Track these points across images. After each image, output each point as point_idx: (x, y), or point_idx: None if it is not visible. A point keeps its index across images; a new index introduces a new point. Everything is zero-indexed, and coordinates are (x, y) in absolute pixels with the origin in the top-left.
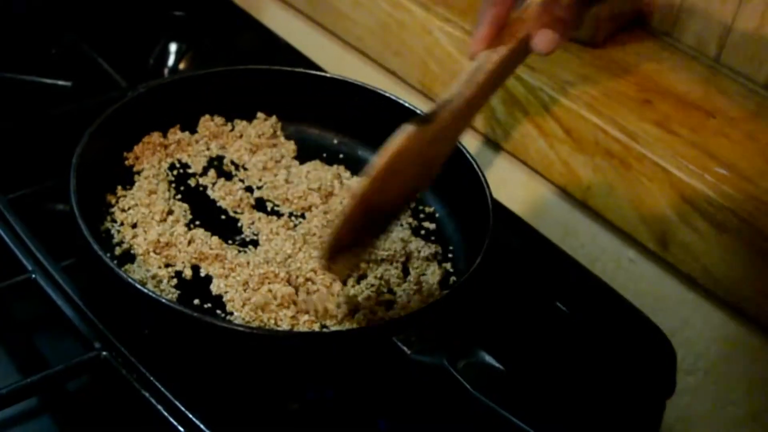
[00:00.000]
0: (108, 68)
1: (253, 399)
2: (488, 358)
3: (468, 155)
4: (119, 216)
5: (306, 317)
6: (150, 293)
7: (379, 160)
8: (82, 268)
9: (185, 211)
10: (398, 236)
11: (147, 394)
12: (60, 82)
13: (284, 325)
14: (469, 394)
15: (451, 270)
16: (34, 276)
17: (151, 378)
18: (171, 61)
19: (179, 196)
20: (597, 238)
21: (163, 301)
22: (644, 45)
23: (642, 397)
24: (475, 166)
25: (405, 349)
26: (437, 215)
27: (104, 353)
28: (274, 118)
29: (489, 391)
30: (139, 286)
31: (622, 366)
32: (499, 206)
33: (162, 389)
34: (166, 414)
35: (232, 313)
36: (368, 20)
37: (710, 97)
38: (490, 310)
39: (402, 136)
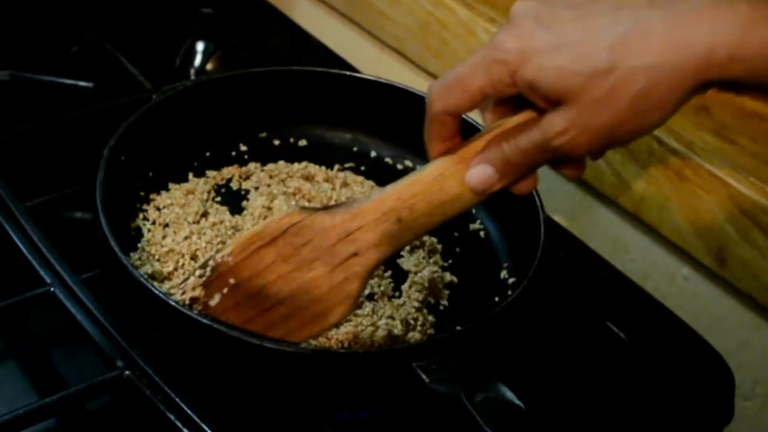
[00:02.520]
0: (131, 68)
1: (282, 423)
2: (509, 394)
3: None
4: (152, 215)
5: (337, 334)
6: (176, 305)
7: (246, 231)
8: (104, 281)
9: (221, 215)
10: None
11: (173, 417)
12: (81, 83)
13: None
14: (481, 430)
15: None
16: (53, 289)
17: (177, 399)
18: (198, 61)
19: (218, 198)
20: (650, 253)
21: (191, 314)
22: None
23: (698, 424)
24: None
25: (423, 376)
26: (483, 230)
27: (127, 372)
28: None
29: (503, 429)
30: (163, 297)
31: (676, 391)
32: (545, 219)
33: (189, 411)
34: None
35: None
36: (407, 19)
37: None
38: (531, 332)
39: (280, 214)
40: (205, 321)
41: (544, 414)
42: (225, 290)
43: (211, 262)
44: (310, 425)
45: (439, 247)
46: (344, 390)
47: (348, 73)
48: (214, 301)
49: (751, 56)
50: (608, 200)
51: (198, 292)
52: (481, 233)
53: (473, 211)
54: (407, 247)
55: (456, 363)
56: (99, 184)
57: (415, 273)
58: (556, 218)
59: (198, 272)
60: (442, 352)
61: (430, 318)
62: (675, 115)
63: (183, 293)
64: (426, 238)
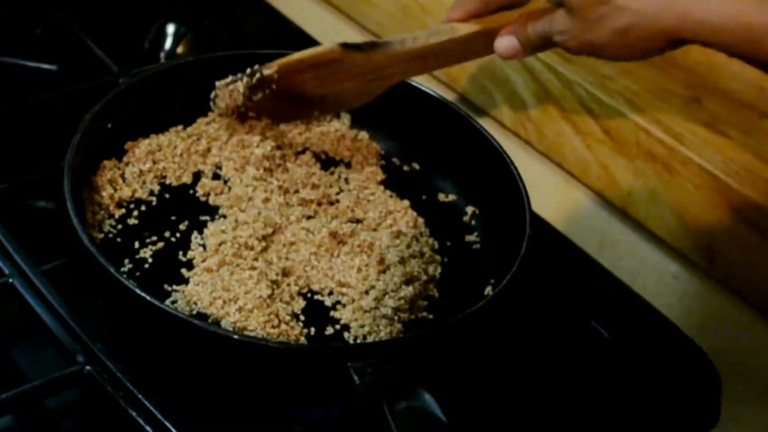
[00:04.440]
0: (98, 51)
1: (247, 421)
2: (433, 405)
3: (504, 154)
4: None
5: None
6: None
7: (298, 54)
8: (67, 272)
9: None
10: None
11: (134, 414)
12: (44, 66)
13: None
14: None
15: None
16: (11, 281)
17: (140, 396)
18: (168, 44)
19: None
20: (637, 250)
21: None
22: None
23: (683, 428)
24: (513, 169)
25: (355, 377)
26: (477, 243)
27: (88, 368)
28: None
29: None
30: (131, 286)
31: (661, 393)
32: (531, 216)
33: (151, 408)
34: None
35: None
36: (388, 3)
37: (765, 96)
38: (510, 334)
39: (325, 47)
40: (167, 309)
41: (480, 428)
42: (266, 92)
43: (257, 74)
44: (275, 423)
45: (438, 258)
46: (284, 383)
47: None
48: (257, 97)
49: (720, 25)
50: (595, 194)
51: (242, 90)
52: (475, 246)
53: (472, 222)
54: (400, 256)
55: (395, 368)
56: (66, 172)
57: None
58: (541, 213)
59: (245, 79)
60: (379, 355)
61: (398, 326)
62: (664, 105)
63: (231, 92)
64: (425, 248)
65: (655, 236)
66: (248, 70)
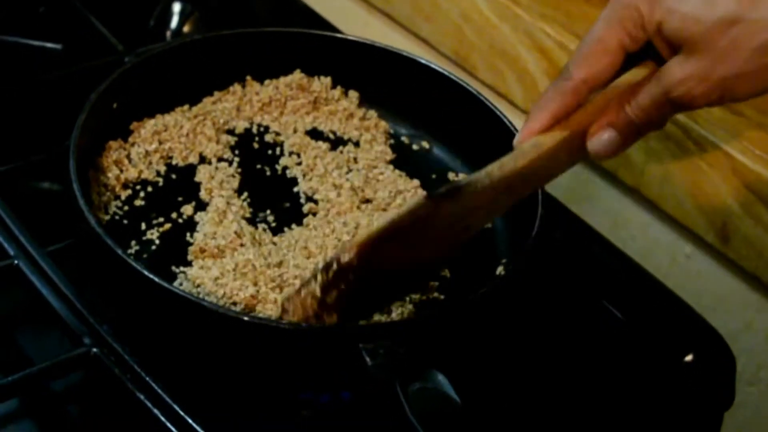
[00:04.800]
0: (102, 29)
1: (256, 403)
2: (447, 387)
3: (515, 132)
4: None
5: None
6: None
7: (377, 226)
8: (72, 253)
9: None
10: None
11: (142, 396)
12: (48, 45)
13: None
14: (408, 419)
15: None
16: (16, 262)
17: (147, 378)
18: (174, 23)
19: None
20: (650, 230)
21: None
22: None
23: (697, 410)
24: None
25: (367, 359)
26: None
27: (94, 350)
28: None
29: (430, 421)
30: (136, 265)
31: (675, 374)
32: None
33: (159, 391)
34: (162, 419)
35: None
36: None
37: None
38: (521, 315)
39: (411, 205)
40: (175, 290)
41: (493, 407)
42: (342, 286)
43: (334, 266)
44: (285, 407)
45: None
46: (295, 365)
47: (331, 34)
48: (331, 298)
49: None
50: (607, 174)
51: (319, 293)
52: (487, 225)
53: None
54: None
55: (408, 350)
56: (72, 153)
57: None
58: (552, 192)
59: (320, 276)
60: (392, 336)
61: (410, 307)
62: None
63: (305, 299)
64: None
65: (669, 216)
66: (321, 264)
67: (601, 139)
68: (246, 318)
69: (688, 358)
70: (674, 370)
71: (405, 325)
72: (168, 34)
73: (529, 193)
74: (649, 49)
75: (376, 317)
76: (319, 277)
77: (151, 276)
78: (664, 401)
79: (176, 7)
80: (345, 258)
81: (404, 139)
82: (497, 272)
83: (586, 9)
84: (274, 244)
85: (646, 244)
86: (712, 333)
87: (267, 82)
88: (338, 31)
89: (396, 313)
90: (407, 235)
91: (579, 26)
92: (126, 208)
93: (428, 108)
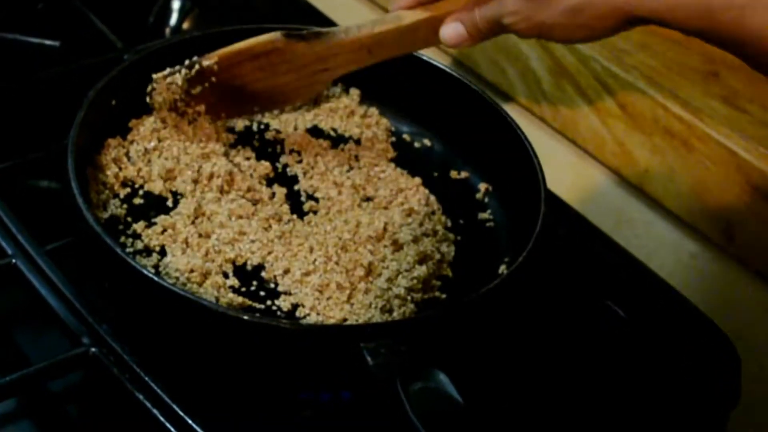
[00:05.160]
0: (101, 26)
1: (256, 403)
2: (449, 386)
3: (517, 129)
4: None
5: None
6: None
7: (239, 44)
8: (70, 252)
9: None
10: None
11: (141, 396)
12: (47, 42)
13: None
14: (409, 419)
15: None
16: (14, 261)
17: (147, 378)
18: (173, 19)
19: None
20: (654, 228)
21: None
22: None
23: (702, 410)
24: (527, 144)
25: (368, 358)
26: (491, 220)
27: (93, 349)
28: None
29: (432, 421)
30: (133, 263)
31: (680, 374)
32: (546, 194)
33: (158, 391)
34: (162, 419)
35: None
36: None
37: None
38: (522, 314)
39: (266, 36)
40: (175, 289)
41: (496, 407)
42: (206, 84)
43: (196, 66)
44: (285, 407)
45: (451, 236)
46: (295, 365)
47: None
48: (196, 91)
49: (677, 1)
50: (611, 171)
51: (181, 83)
52: (489, 224)
53: (485, 199)
54: (412, 234)
55: (409, 349)
56: (70, 151)
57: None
58: (556, 191)
59: (184, 71)
60: (393, 335)
61: (411, 306)
62: (681, 80)
63: (170, 84)
64: (438, 227)
65: (673, 214)
66: (187, 62)
67: (449, 28)
68: (246, 317)
69: (693, 357)
70: (679, 369)
71: (406, 325)
72: (167, 30)
73: (389, 56)
74: None
75: (377, 317)
76: (183, 71)
77: (151, 275)
78: (669, 401)
79: (175, 4)
80: (206, 62)
81: (406, 136)
82: (499, 271)
83: None
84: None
85: (649, 243)
86: (717, 332)
87: None
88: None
89: (397, 312)
90: (264, 60)
91: None
92: (125, 206)
93: (430, 105)
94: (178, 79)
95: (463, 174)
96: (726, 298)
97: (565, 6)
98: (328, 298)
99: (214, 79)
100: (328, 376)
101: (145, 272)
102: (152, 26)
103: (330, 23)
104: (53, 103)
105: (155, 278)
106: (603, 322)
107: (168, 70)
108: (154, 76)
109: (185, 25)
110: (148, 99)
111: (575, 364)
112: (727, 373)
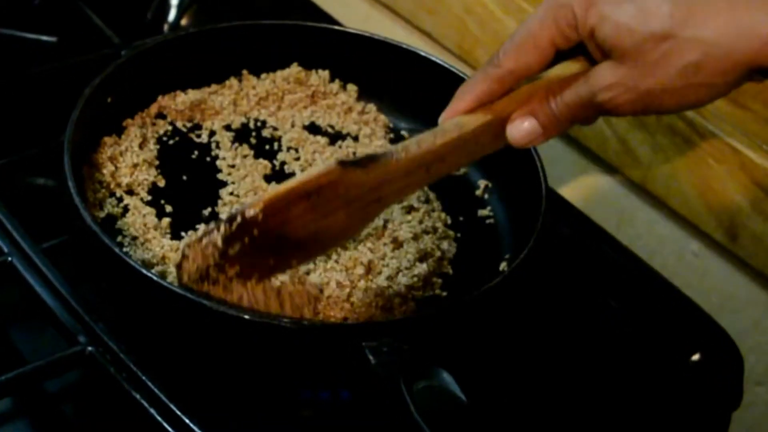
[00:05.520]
0: (98, 22)
1: (255, 402)
2: (452, 385)
3: None
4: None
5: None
6: (150, 274)
7: (286, 185)
8: (68, 250)
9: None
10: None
11: (138, 396)
12: (44, 38)
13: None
14: (412, 418)
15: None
16: (10, 259)
17: (144, 377)
18: (172, 15)
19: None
20: (656, 227)
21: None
22: None
23: (705, 410)
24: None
25: (370, 357)
26: (492, 217)
27: (90, 348)
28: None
29: (436, 420)
30: (134, 264)
31: (682, 374)
32: (547, 191)
33: (155, 390)
34: (159, 418)
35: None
36: None
37: None
38: (524, 313)
39: (321, 169)
40: (174, 288)
41: (500, 406)
42: (245, 240)
43: (237, 219)
44: (284, 406)
45: (451, 234)
46: (296, 364)
47: (328, 26)
48: (234, 251)
49: None
50: (613, 170)
51: (220, 244)
52: (489, 220)
53: (485, 196)
54: (412, 232)
55: (411, 347)
56: (66, 149)
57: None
58: (558, 190)
59: (223, 227)
60: (394, 334)
61: (412, 304)
62: None
63: (205, 249)
64: (438, 224)
65: (675, 213)
66: (224, 216)
67: (520, 126)
68: (246, 316)
69: (696, 357)
70: (681, 369)
71: (408, 323)
72: (165, 26)
73: (446, 173)
74: (582, 48)
75: (378, 315)
76: (222, 228)
77: (148, 273)
78: (672, 401)
79: (174, 0)
80: (250, 212)
81: (404, 133)
82: (500, 268)
83: None
84: None
85: (652, 242)
86: (719, 332)
87: (264, 75)
88: (339, 25)
89: (398, 310)
90: (315, 198)
91: None
92: (122, 205)
93: (428, 101)
94: (218, 238)
95: (462, 170)
96: (729, 297)
97: (680, 66)
98: (327, 297)
99: (255, 231)
100: (328, 375)
101: (144, 271)
102: (150, 22)
103: (329, 19)
104: (50, 99)
105: (154, 277)
106: (605, 321)
107: (201, 230)
108: (185, 241)
109: (184, 21)
110: (177, 271)
111: (577, 363)
112: (729, 373)
